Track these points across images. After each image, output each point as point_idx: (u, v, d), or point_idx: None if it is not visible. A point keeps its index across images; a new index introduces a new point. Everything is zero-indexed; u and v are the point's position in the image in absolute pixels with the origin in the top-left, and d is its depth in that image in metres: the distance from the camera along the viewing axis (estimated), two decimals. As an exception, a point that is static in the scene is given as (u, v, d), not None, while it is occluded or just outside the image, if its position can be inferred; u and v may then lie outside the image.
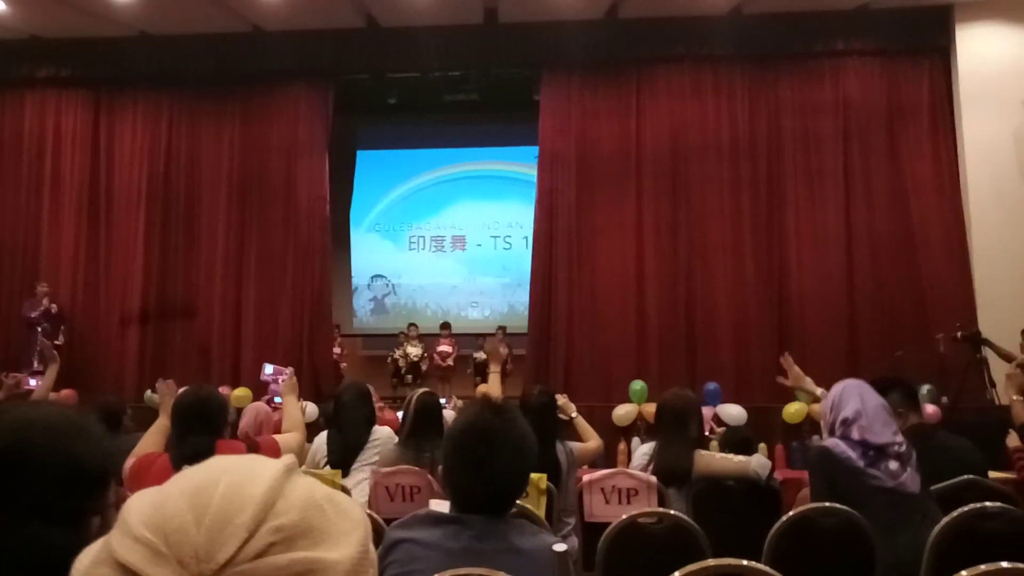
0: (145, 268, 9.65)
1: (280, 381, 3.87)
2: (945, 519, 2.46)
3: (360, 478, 3.55)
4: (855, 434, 2.67)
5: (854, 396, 2.74)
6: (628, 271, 9.18)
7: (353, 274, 11.84)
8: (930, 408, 6.70)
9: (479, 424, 1.61)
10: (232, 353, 9.50)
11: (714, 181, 9.22)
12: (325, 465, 3.64)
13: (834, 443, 2.70)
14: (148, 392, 8.52)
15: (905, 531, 2.54)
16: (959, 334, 7.16)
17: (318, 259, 9.57)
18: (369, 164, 12.07)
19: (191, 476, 0.59)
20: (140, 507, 0.57)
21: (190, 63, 9.65)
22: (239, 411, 7.64)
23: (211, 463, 0.61)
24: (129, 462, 2.85)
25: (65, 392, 8.62)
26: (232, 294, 9.63)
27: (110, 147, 9.94)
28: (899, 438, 2.70)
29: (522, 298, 11.45)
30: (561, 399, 3.96)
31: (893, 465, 2.62)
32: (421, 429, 3.48)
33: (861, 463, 2.63)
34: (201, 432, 2.73)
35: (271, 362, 7.53)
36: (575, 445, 3.73)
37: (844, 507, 2.54)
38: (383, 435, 3.69)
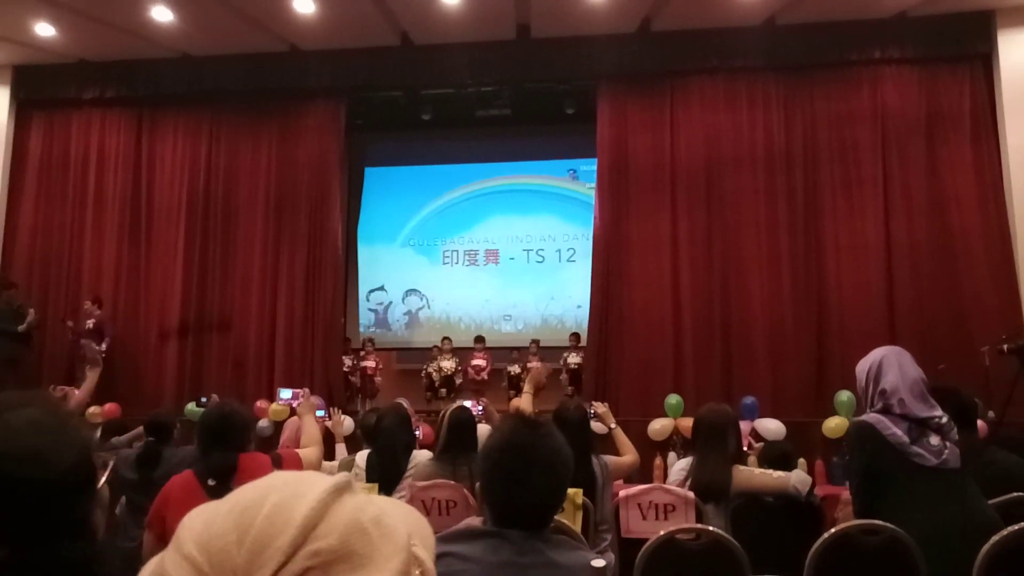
0: (184, 283, 9.81)
1: (298, 403, 3.89)
2: (995, 538, 2.39)
3: (398, 497, 3.52)
4: (897, 407, 2.60)
5: (893, 366, 2.66)
6: (663, 285, 9.13)
7: (352, 288, 11.89)
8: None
9: (515, 440, 1.61)
10: (267, 367, 9.60)
11: (749, 193, 9.15)
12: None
13: (877, 419, 2.62)
14: (189, 405, 8.66)
15: (947, 505, 2.48)
16: (1005, 347, 6.99)
17: (331, 274, 9.70)
18: (402, 180, 12.17)
19: (242, 494, 0.59)
20: (193, 523, 0.58)
21: (227, 82, 9.85)
22: (278, 425, 7.88)
23: (264, 480, 0.60)
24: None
25: (108, 407, 8.81)
26: (268, 308, 9.75)
27: (151, 165, 10.15)
28: (938, 411, 2.62)
29: (555, 311, 11.55)
30: (601, 408, 3.99)
31: (935, 441, 2.55)
32: (455, 444, 3.48)
33: (906, 439, 2.55)
34: (225, 448, 2.76)
35: (285, 384, 7.62)
36: (610, 459, 3.71)
37: (887, 524, 2.48)
38: (421, 459, 3.70)
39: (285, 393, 7.23)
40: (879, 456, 2.56)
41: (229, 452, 2.76)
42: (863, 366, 2.77)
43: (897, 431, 2.57)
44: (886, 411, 2.62)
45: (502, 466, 1.59)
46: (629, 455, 3.84)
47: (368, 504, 0.60)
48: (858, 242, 8.92)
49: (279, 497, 0.57)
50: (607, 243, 9.33)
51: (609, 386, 8.93)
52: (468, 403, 5.45)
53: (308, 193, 9.84)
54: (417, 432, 5.10)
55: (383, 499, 0.64)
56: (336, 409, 5.23)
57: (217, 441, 2.78)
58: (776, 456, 3.82)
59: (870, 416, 2.67)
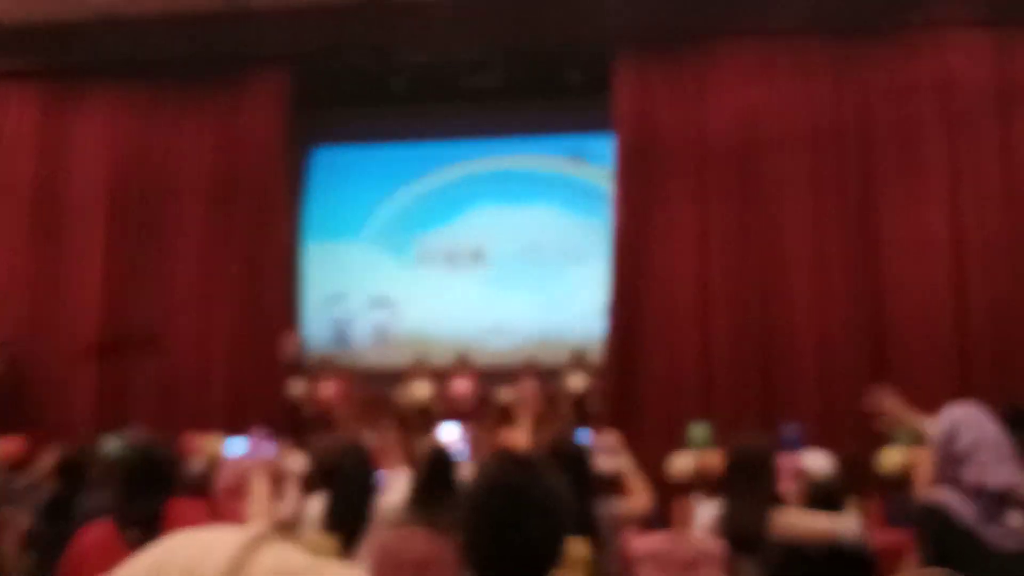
0: (104, 291, 9.83)
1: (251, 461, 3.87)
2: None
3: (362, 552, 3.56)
4: (970, 475, 2.62)
5: (972, 425, 2.67)
6: (689, 288, 9.21)
7: (306, 296, 11.89)
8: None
9: (502, 481, 1.63)
10: (204, 393, 9.64)
11: (792, 180, 9.21)
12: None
13: (945, 500, 2.65)
14: (110, 440, 8.61)
15: None
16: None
17: (276, 279, 9.82)
18: (367, 162, 12.17)
19: (148, 557, 0.61)
20: None
21: (159, 48, 9.89)
22: (215, 464, 7.82)
23: (171, 541, 0.62)
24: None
25: (8, 442, 8.75)
26: (205, 322, 9.79)
27: (64, 149, 10.16)
28: (1020, 478, 2.64)
29: (557, 324, 11.49)
30: (609, 437, 4.08)
31: (1016, 521, 2.57)
32: (432, 487, 3.48)
33: (978, 523, 2.58)
34: (150, 493, 2.80)
35: (226, 417, 7.55)
36: (619, 501, 3.76)
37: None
38: (389, 505, 3.75)
39: (234, 444, 7.14)
40: (947, 541, 2.59)
41: (155, 498, 2.79)
42: (936, 428, 2.80)
43: (967, 512, 2.59)
44: (955, 480, 2.64)
45: (487, 513, 1.60)
46: (642, 496, 3.86)
47: (292, 556, 0.62)
48: (921, 238, 8.98)
49: (189, 554, 0.60)
50: (628, 239, 9.38)
51: (631, 414, 8.95)
52: (454, 430, 5.39)
53: (252, 182, 9.90)
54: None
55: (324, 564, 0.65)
56: (286, 445, 5.29)
57: (141, 485, 2.82)
58: (824, 496, 3.85)
59: (938, 494, 2.69)
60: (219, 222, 9.94)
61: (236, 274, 9.79)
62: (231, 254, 9.86)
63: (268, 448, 5.86)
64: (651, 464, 7.44)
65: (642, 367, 9.12)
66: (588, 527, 3.37)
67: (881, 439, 8.09)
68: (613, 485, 4.01)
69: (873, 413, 3.69)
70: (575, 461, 3.51)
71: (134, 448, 2.97)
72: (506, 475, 1.64)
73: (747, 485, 3.40)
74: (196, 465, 8.49)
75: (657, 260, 9.30)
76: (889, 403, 3.52)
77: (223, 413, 9.23)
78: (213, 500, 4.30)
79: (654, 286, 9.27)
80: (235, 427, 9.19)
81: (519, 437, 4.05)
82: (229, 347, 9.67)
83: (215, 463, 8.00)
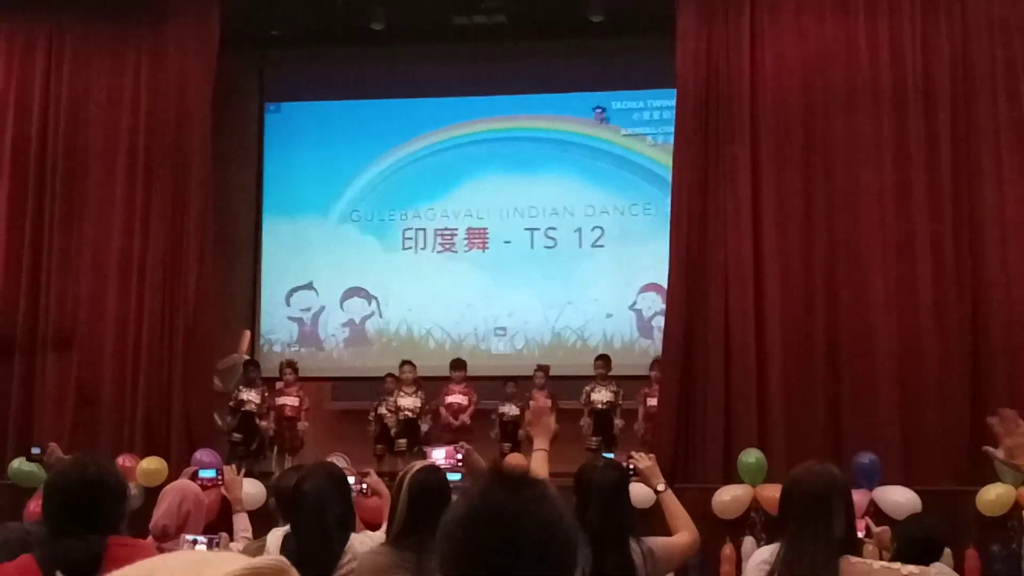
0: (6, 275, 9.84)
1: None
2: None
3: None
4: None
5: None
6: (739, 280, 9.17)
7: (264, 287, 11.99)
8: None
9: (488, 507, 1.59)
10: (129, 404, 9.63)
11: (867, 143, 9.16)
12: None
13: None
14: (15, 461, 8.64)
15: None
16: None
17: (195, 262, 9.85)
18: (339, 122, 12.16)
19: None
20: None
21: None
22: (151, 492, 7.76)
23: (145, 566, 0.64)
24: None
25: None
26: (132, 315, 9.79)
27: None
28: None
29: (573, 321, 11.54)
30: (645, 462, 4.06)
31: None
32: (420, 522, 3.39)
33: None
34: (85, 528, 2.77)
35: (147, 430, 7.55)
36: (658, 541, 3.75)
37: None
38: (366, 544, 3.72)
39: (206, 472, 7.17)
40: None
41: (93, 536, 2.75)
42: None
43: None
44: None
45: (468, 548, 1.58)
46: (685, 533, 3.86)
47: None
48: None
49: None
50: (690, 219, 9.34)
51: (693, 438, 8.96)
52: (440, 454, 5.44)
53: (179, 141, 9.91)
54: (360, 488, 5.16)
55: None
56: (232, 467, 5.35)
57: (74, 518, 2.79)
58: (913, 541, 3.87)
59: None
60: (141, 193, 9.93)
61: (162, 259, 9.81)
62: (155, 232, 9.85)
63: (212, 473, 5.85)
64: (689, 496, 7.50)
65: (713, 383, 9.07)
66: (621, 573, 3.39)
67: (981, 474, 8.02)
68: (649, 521, 4.10)
69: (975, 441, 3.60)
70: (606, 490, 3.55)
71: (68, 470, 2.93)
72: (491, 500, 1.60)
73: (811, 526, 3.19)
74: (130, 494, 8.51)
75: (720, 246, 9.26)
76: (1004, 427, 3.39)
77: (146, 429, 9.34)
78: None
79: (721, 279, 9.21)
80: (157, 445, 9.32)
81: (536, 465, 3.97)
82: (153, 346, 9.69)
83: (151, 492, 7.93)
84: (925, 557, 3.63)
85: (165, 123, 9.99)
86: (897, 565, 3.16)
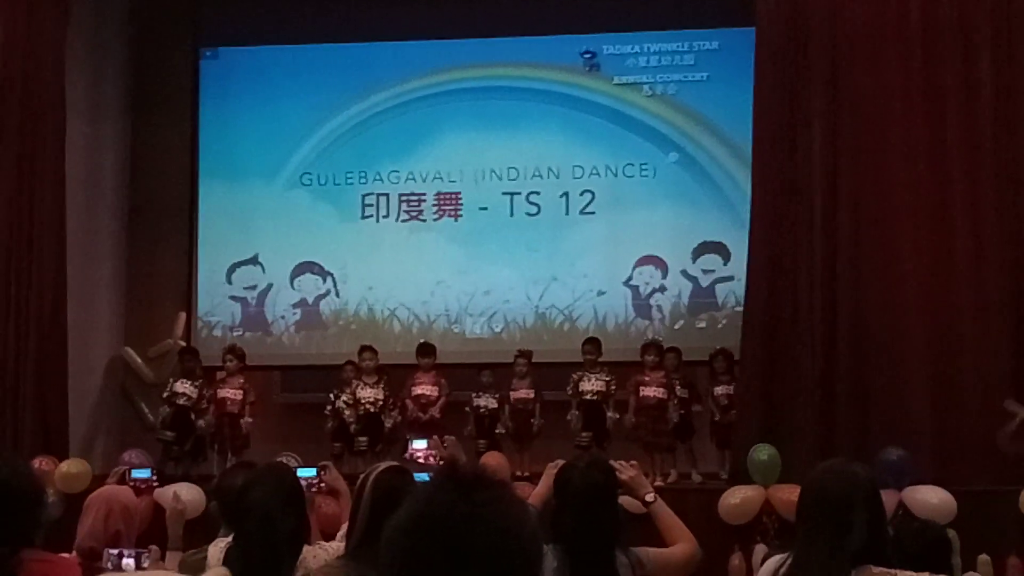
0: None
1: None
2: None
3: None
4: None
5: None
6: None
7: (201, 261, 12.01)
8: None
9: (435, 510, 1.61)
10: (36, 392, 9.75)
11: (898, 91, 9.24)
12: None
13: None
14: None
15: None
16: None
17: (49, 237, 10.06)
18: (285, 70, 12.14)
19: None
20: None
21: None
22: (72, 500, 7.73)
23: None
24: None
25: None
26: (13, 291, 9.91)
27: None
28: None
29: (559, 300, 11.56)
30: (629, 471, 4.07)
31: None
32: (381, 529, 3.33)
33: None
34: None
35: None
36: (651, 552, 3.83)
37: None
38: (320, 557, 3.79)
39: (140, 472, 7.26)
40: None
41: (3, 548, 2.83)
42: None
43: None
44: None
45: (412, 557, 1.61)
46: (682, 545, 3.95)
47: None
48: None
49: None
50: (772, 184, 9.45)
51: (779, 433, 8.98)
52: (422, 445, 5.74)
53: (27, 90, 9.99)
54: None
55: None
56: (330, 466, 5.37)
57: None
58: (923, 545, 3.93)
59: None
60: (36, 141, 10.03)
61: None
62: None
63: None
64: (691, 498, 7.55)
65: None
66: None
67: (1024, 473, 8.21)
68: (641, 531, 4.14)
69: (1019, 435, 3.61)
70: (590, 492, 3.67)
71: None
72: (441, 504, 1.61)
73: (828, 532, 3.28)
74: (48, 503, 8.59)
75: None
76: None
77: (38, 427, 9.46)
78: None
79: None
80: (55, 445, 9.53)
81: (539, 496, 4.09)
82: (42, 332, 9.85)
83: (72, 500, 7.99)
84: (935, 562, 3.66)
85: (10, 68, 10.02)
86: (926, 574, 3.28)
